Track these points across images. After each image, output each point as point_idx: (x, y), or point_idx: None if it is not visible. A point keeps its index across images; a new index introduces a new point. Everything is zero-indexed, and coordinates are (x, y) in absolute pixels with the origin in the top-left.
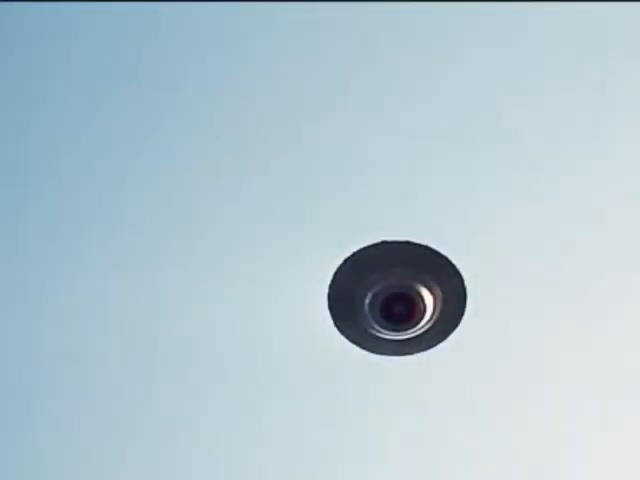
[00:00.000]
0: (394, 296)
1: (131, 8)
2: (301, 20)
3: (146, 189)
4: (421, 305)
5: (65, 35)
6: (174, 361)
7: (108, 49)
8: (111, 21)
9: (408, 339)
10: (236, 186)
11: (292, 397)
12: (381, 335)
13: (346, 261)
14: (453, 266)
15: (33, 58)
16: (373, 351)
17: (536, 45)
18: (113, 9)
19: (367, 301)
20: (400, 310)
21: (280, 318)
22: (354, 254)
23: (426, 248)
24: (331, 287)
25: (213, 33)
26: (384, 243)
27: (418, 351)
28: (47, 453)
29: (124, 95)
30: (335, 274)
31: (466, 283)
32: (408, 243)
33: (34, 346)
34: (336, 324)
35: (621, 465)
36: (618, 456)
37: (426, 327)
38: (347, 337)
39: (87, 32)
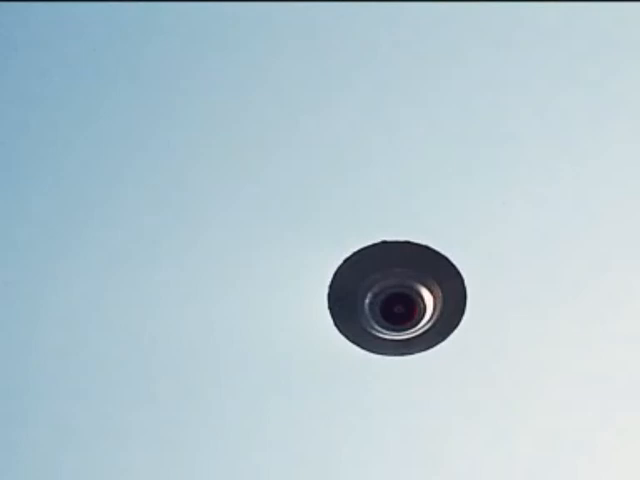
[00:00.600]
0: (394, 296)
1: (131, 8)
2: (301, 20)
3: (146, 189)
4: (421, 305)
5: (65, 35)
6: (173, 361)
7: (108, 49)
8: (111, 21)
9: (408, 339)
10: (236, 186)
11: (292, 397)
12: (381, 335)
13: (346, 261)
14: (453, 266)
15: (33, 58)
16: (373, 351)
17: (536, 45)
18: (113, 9)
19: (367, 301)
20: (400, 310)
21: (280, 318)
22: (354, 254)
23: (426, 248)
24: (331, 287)
25: (212, 33)
26: (384, 243)
27: (418, 351)
28: (47, 453)
29: (123, 95)
30: (335, 274)
31: (466, 283)
32: (408, 243)
33: (34, 346)
34: (336, 324)
35: (621, 465)
36: (619, 456)
37: (426, 327)
38: (347, 337)
39: (87, 32)
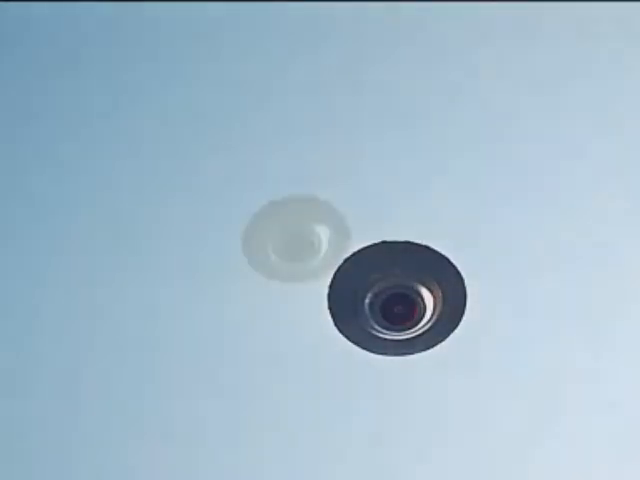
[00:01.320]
0: (394, 296)
1: (132, 8)
2: (301, 20)
3: (145, 188)
4: (421, 305)
5: (65, 35)
6: (172, 361)
7: (108, 49)
8: (111, 21)
9: (408, 339)
10: (235, 185)
11: (292, 397)
12: (381, 335)
13: (346, 261)
14: (453, 266)
15: (33, 58)
16: (373, 351)
17: (536, 45)
18: (114, 9)
19: (367, 301)
20: (400, 310)
21: (280, 318)
22: (354, 254)
23: (426, 248)
24: (331, 287)
25: (214, 33)
26: (384, 243)
27: (418, 351)
28: (47, 453)
29: (123, 94)
30: (335, 274)
31: (466, 283)
32: (408, 243)
33: (34, 346)
34: (336, 324)
35: (623, 465)
36: (619, 456)
37: (426, 327)
38: (347, 337)
39: (87, 32)
